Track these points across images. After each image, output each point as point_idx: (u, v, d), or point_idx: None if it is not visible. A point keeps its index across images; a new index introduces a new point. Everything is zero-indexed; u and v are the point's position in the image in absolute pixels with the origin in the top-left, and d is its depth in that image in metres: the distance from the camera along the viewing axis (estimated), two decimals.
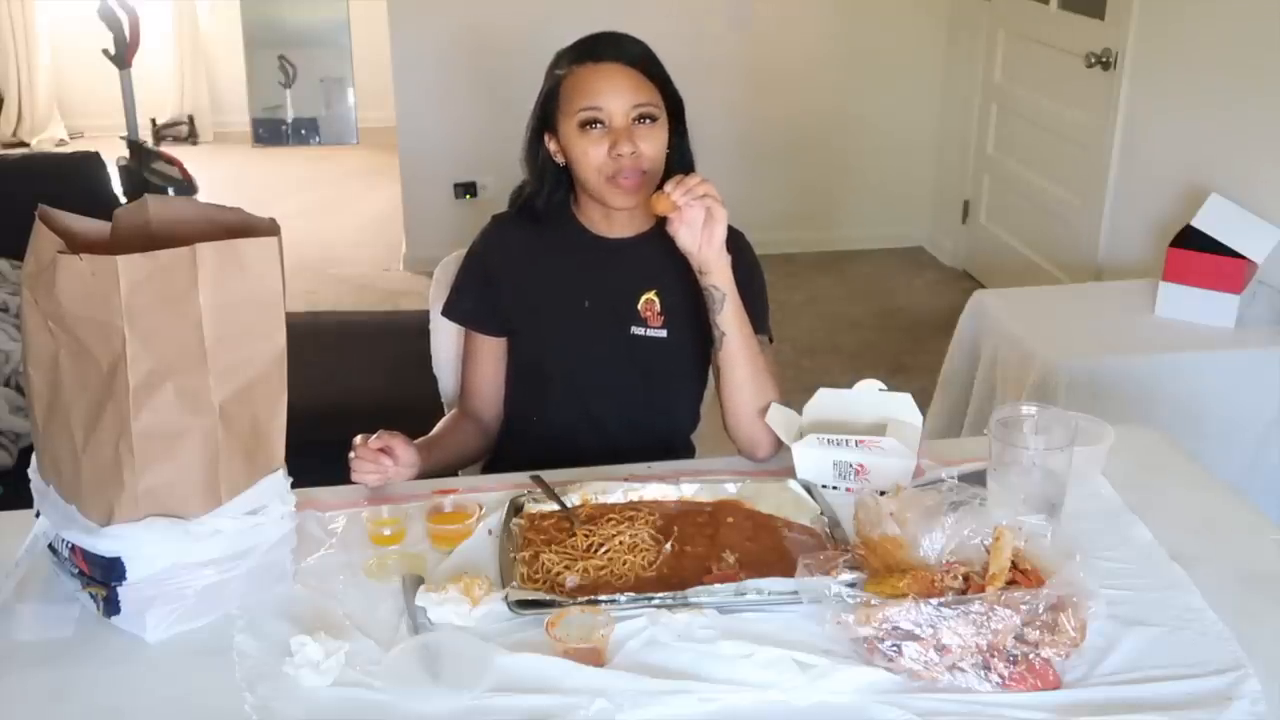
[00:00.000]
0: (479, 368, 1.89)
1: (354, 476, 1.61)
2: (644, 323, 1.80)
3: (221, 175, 6.29)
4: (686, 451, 1.95)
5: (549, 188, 1.81)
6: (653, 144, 1.71)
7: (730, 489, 1.60)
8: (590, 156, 1.71)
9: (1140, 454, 1.75)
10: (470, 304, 1.89)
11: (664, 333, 1.80)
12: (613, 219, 1.80)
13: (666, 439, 1.91)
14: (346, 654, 1.26)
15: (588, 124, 1.70)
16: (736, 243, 1.85)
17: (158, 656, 1.30)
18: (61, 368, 1.27)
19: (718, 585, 1.36)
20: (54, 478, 1.35)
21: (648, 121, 1.71)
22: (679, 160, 1.80)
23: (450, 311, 1.91)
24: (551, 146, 1.78)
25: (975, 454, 1.66)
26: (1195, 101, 3.35)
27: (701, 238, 1.62)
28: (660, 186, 1.62)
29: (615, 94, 1.70)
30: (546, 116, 1.77)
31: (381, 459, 1.61)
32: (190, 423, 1.29)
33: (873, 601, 1.25)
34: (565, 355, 1.84)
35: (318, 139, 7.15)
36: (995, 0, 4.65)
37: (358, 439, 1.62)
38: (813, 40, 5.06)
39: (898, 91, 5.14)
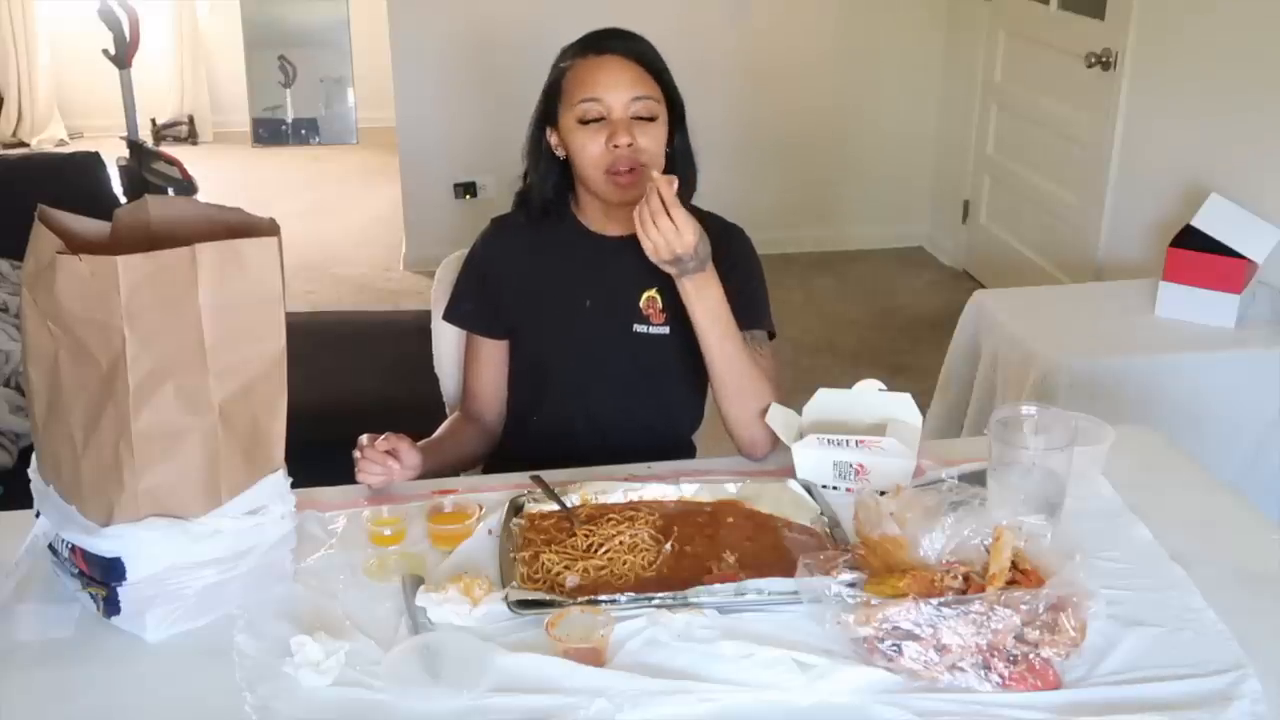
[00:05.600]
0: (480, 370, 1.90)
1: (359, 477, 1.62)
2: (646, 320, 1.80)
3: (221, 175, 6.29)
4: (687, 451, 1.95)
5: (551, 181, 1.81)
6: (651, 139, 1.72)
7: (730, 489, 1.60)
8: (588, 149, 1.71)
9: (1140, 454, 1.75)
10: (471, 307, 1.89)
11: (666, 330, 1.80)
12: (613, 217, 1.80)
13: (668, 438, 1.91)
14: (346, 654, 1.26)
15: (587, 116, 1.70)
16: (733, 237, 1.85)
17: (158, 656, 1.30)
18: (61, 368, 1.27)
19: (718, 585, 1.36)
20: (54, 478, 1.34)
21: (646, 120, 1.71)
22: (681, 160, 1.80)
23: (451, 315, 1.92)
24: (552, 140, 1.78)
25: (975, 454, 1.66)
26: (1195, 101, 3.35)
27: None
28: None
29: (615, 86, 1.70)
30: (549, 109, 1.77)
31: (388, 460, 1.61)
32: (190, 423, 1.29)
33: (873, 601, 1.25)
34: (566, 354, 1.84)
35: (318, 139, 7.15)
36: (995, 0, 4.65)
37: (364, 439, 1.62)
38: (812, 40, 5.06)
39: (897, 91, 5.14)
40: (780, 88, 5.08)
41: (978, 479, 1.56)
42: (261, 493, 1.36)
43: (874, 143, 5.21)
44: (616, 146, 1.70)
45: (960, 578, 1.28)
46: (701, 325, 1.67)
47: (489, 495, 1.59)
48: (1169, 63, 3.50)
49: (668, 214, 1.55)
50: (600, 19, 1.83)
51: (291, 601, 1.38)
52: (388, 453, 1.61)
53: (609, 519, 1.50)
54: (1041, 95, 4.33)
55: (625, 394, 1.85)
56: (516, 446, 1.90)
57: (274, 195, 6.01)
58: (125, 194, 4.57)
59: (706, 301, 1.65)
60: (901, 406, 1.70)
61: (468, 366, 1.92)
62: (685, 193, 1.81)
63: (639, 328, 1.81)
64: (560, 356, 1.84)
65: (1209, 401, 2.65)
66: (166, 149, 5.73)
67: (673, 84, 1.77)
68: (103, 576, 1.30)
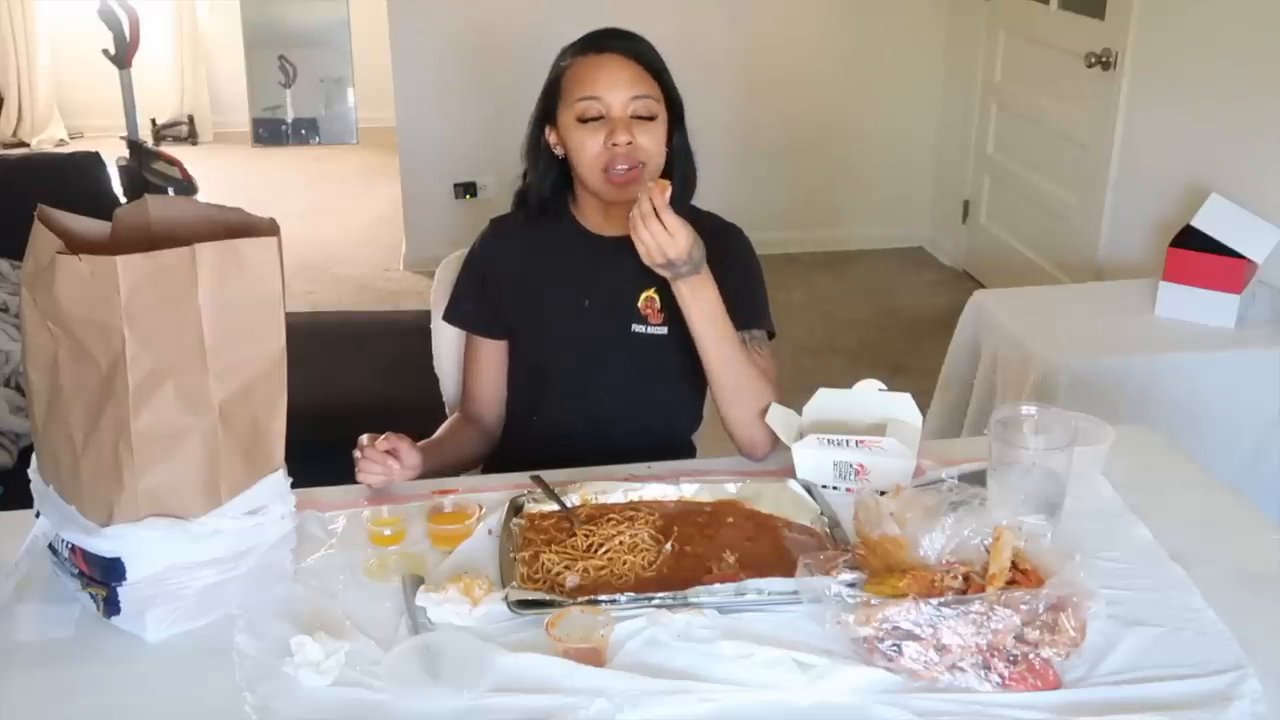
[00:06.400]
0: (480, 371, 1.90)
1: (359, 477, 1.62)
2: (644, 320, 1.80)
3: (221, 175, 6.29)
4: (687, 451, 1.95)
5: (549, 180, 1.82)
6: (651, 138, 1.72)
7: (730, 489, 1.60)
8: (587, 148, 1.71)
9: (1140, 454, 1.75)
10: (470, 307, 1.89)
11: (664, 330, 1.80)
12: (611, 217, 1.80)
13: (667, 438, 1.91)
14: (346, 654, 1.26)
15: (586, 114, 1.71)
16: (732, 237, 1.85)
17: (158, 656, 1.30)
18: (61, 368, 1.27)
19: (718, 585, 1.36)
20: (54, 478, 1.34)
21: (645, 119, 1.71)
22: (680, 159, 1.80)
23: (451, 315, 1.92)
24: (551, 139, 1.79)
25: (975, 454, 1.66)
26: (1195, 101, 3.35)
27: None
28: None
29: (614, 84, 1.70)
30: (548, 108, 1.78)
31: (388, 460, 1.61)
32: (190, 423, 1.29)
33: (873, 601, 1.25)
34: (565, 354, 1.84)
35: (318, 139, 7.15)
36: (995, 0, 4.65)
37: (364, 439, 1.62)
38: (813, 40, 5.06)
39: (898, 91, 5.14)
40: (781, 88, 5.08)
41: (978, 479, 1.56)
42: (261, 493, 1.36)
43: (874, 143, 5.21)
44: (615, 145, 1.70)
45: (960, 578, 1.28)
46: (697, 328, 1.67)
47: (489, 495, 1.59)
48: (1169, 63, 3.50)
49: (659, 218, 1.55)
50: (600, 20, 1.83)
51: (291, 601, 1.38)
52: (388, 452, 1.61)
53: (609, 519, 1.50)
54: (1041, 95, 4.33)
55: (624, 394, 1.85)
56: (516, 447, 1.90)
57: (274, 195, 6.01)
58: (125, 194, 4.57)
59: (702, 304, 1.65)
60: (901, 406, 1.70)
61: (467, 367, 1.92)
62: (685, 192, 1.82)
63: (637, 328, 1.81)
64: (559, 357, 1.84)
65: (1209, 401, 2.65)
66: (166, 149, 5.72)
67: (672, 84, 1.77)
68: (103, 576, 1.30)
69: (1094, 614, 1.26)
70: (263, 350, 1.33)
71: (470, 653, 1.25)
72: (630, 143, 1.70)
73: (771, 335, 1.85)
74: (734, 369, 1.70)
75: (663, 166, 1.76)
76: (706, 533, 1.50)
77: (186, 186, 4.74)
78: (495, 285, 1.86)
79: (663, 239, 1.56)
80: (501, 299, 1.86)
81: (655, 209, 1.55)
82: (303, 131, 7.14)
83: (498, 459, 1.92)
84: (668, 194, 1.57)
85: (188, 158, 5.10)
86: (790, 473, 1.64)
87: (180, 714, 1.22)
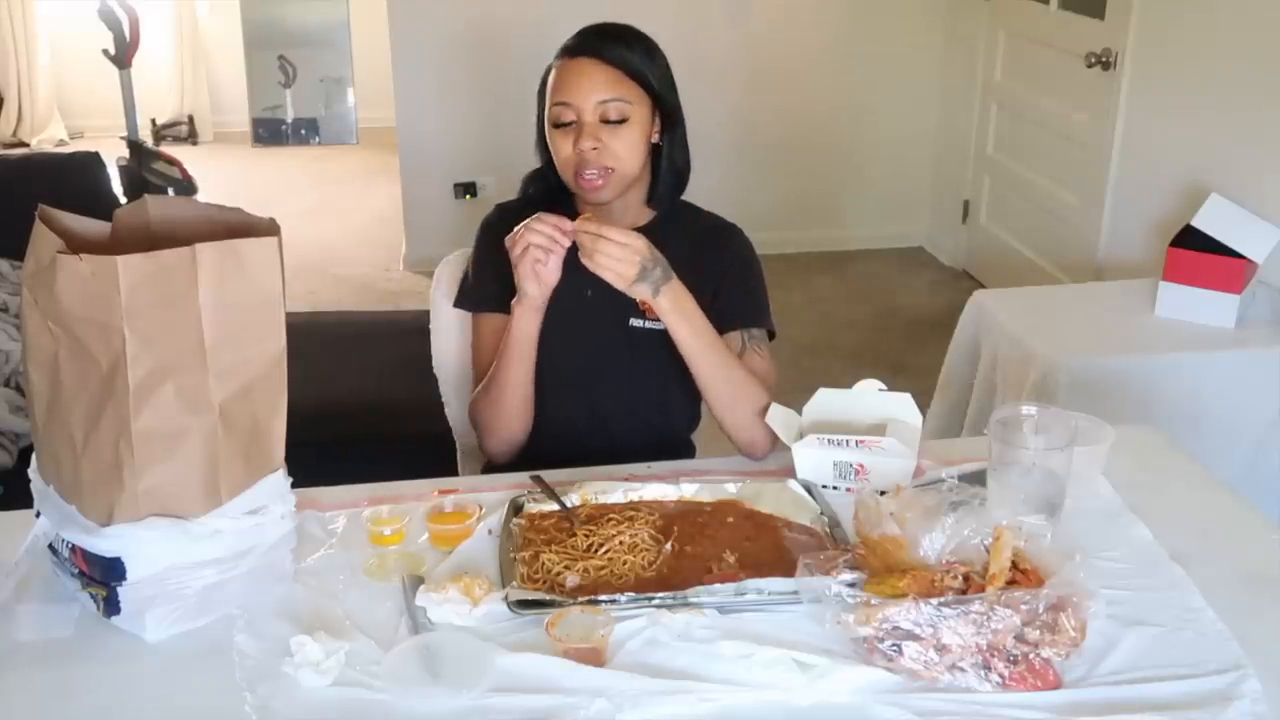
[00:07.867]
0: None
1: (528, 234, 1.61)
2: (642, 315, 1.80)
3: (221, 175, 6.29)
4: (687, 451, 1.95)
5: (554, 173, 1.81)
6: (622, 142, 1.71)
7: (730, 489, 1.60)
8: (560, 152, 1.73)
9: (1140, 454, 1.75)
10: (494, 288, 1.83)
11: (660, 325, 1.79)
12: (607, 213, 1.79)
13: (667, 436, 1.91)
14: (346, 654, 1.26)
15: (559, 119, 1.72)
16: (732, 236, 1.85)
17: (158, 656, 1.30)
18: (61, 368, 1.27)
19: (718, 585, 1.36)
20: (54, 478, 1.34)
21: (615, 123, 1.71)
22: (669, 162, 1.80)
23: (472, 300, 1.88)
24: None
25: (975, 454, 1.66)
26: (1195, 101, 3.35)
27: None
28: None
29: (582, 90, 1.70)
30: (543, 107, 1.78)
31: (563, 224, 1.61)
32: (190, 423, 1.29)
33: (873, 601, 1.25)
34: (566, 347, 1.83)
35: (318, 139, 7.16)
36: (995, 0, 4.65)
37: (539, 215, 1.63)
38: (813, 40, 5.07)
39: (898, 91, 5.14)
40: (780, 88, 5.08)
41: (978, 479, 1.56)
42: (261, 493, 1.37)
43: (874, 143, 5.21)
44: (582, 150, 1.70)
45: (960, 578, 1.28)
46: (685, 341, 1.67)
47: (489, 495, 1.59)
48: (1169, 63, 3.50)
49: (605, 239, 1.56)
50: (600, 19, 1.83)
51: (291, 601, 1.38)
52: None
53: (609, 519, 1.50)
54: (1041, 95, 4.33)
55: (625, 391, 1.84)
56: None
57: (274, 195, 6.01)
58: (125, 194, 4.58)
59: (684, 312, 1.65)
60: (901, 406, 1.70)
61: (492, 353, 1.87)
62: (676, 188, 1.81)
63: (635, 322, 1.81)
64: (559, 349, 1.83)
65: (1209, 401, 2.65)
66: (166, 149, 5.73)
67: (654, 82, 1.75)
68: (103, 576, 1.30)
69: (1094, 614, 1.26)
70: (263, 350, 1.33)
71: (470, 653, 1.25)
72: (595, 148, 1.70)
73: (772, 335, 1.85)
74: (724, 374, 1.70)
75: (639, 168, 1.75)
76: (706, 533, 1.50)
77: (186, 186, 4.74)
78: (505, 266, 1.83)
79: (621, 253, 1.57)
80: (510, 280, 1.83)
81: (596, 234, 1.56)
82: (303, 131, 7.15)
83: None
84: (591, 222, 1.59)
85: (188, 158, 5.11)
86: (790, 473, 1.64)
87: (180, 714, 1.22)
